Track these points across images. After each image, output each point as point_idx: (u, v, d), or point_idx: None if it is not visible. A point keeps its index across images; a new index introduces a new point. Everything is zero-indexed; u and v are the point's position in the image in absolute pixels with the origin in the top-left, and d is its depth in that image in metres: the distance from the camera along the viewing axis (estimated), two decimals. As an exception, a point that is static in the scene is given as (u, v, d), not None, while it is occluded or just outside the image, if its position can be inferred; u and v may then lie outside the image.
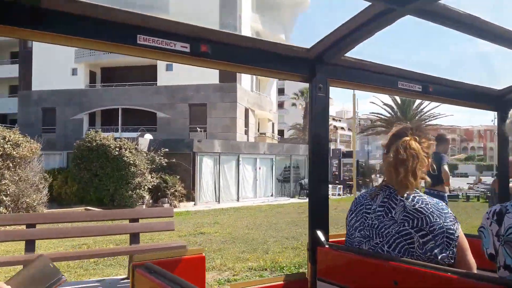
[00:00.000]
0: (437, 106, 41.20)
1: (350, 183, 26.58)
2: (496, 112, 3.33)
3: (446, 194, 6.34)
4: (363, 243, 1.88)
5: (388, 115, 42.35)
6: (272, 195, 22.03)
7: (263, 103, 31.99)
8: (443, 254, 1.69)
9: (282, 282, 2.27)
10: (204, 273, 2.36)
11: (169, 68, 27.18)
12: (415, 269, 1.65)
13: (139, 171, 15.90)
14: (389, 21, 1.98)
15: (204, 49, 1.95)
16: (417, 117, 40.81)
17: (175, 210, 9.28)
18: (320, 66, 2.35)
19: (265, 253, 7.40)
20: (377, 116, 45.60)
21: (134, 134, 22.09)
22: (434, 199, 1.80)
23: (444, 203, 1.79)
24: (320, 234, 2.26)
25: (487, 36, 2.23)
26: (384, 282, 1.78)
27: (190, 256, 2.31)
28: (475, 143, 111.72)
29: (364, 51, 2.38)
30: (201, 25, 1.89)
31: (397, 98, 41.55)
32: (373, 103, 53.15)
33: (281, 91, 61.29)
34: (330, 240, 2.29)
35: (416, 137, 1.84)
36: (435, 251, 1.69)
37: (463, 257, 1.74)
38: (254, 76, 28.57)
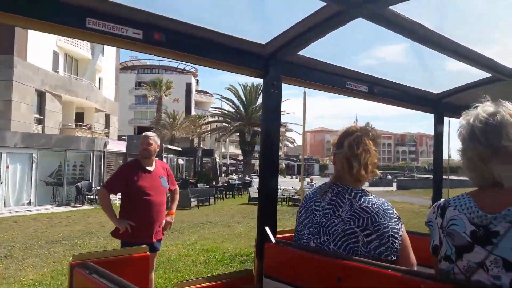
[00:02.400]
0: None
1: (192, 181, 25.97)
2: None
3: None
4: (311, 240, 1.90)
5: (232, 110, 43.26)
6: (30, 203, 16.61)
7: (76, 88, 26.15)
8: (387, 253, 1.75)
9: (228, 280, 2.25)
10: (147, 272, 2.27)
11: None
12: (358, 266, 1.69)
13: None
14: (342, 22, 2.02)
15: (158, 37, 1.87)
16: (259, 113, 41.19)
17: None
18: (274, 63, 2.34)
19: None
20: (220, 111, 45.95)
21: None
22: (381, 199, 1.86)
23: (389, 204, 1.85)
24: (268, 230, 2.26)
25: (429, 43, 2.35)
26: (328, 278, 1.82)
27: (134, 255, 2.21)
28: (407, 147, 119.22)
29: (317, 50, 2.41)
30: (156, 12, 1.81)
31: (241, 95, 42.74)
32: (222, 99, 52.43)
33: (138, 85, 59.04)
34: (278, 236, 2.30)
35: (367, 134, 1.91)
36: (379, 249, 1.75)
37: (405, 255, 1.81)
38: (61, 54, 25.05)
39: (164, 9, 1.85)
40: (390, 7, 1.96)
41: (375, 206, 1.79)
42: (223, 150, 59.27)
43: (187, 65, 64.63)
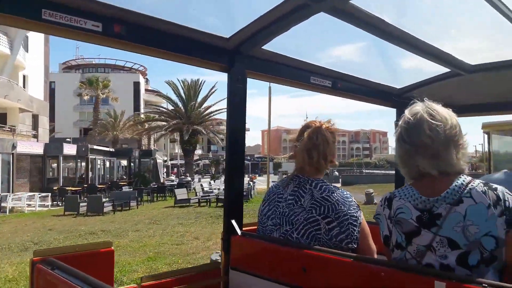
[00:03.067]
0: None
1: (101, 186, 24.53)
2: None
3: None
4: (274, 231, 1.95)
5: (171, 107, 42.49)
6: None
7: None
8: (347, 240, 1.82)
9: (194, 273, 2.25)
10: (112, 267, 2.25)
11: None
12: (321, 256, 1.74)
13: None
14: (304, 16, 2.04)
15: (118, 30, 1.84)
16: (199, 110, 40.87)
17: None
18: (239, 57, 2.34)
19: None
20: (158, 109, 44.87)
21: None
22: (340, 188, 1.93)
23: (349, 193, 1.93)
24: (234, 223, 2.28)
25: (391, 38, 2.41)
26: (294, 269, 1.85)
27: (97, 250, 2.18)
28: (361, 144, 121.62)
29: (281, 45, 2.43)
30: (116, 4, 1.78)
31: (182, 92, 41.72)
32: (158, 95, 50.60)
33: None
34: (244, 229, 2.32)
35: (326, 126, 1.97)
36: (340, 237, 1.81)
37: (365, 242, 1.88)
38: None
39: (125, 1, 1.82)
40: (352, 2, 2.00)
41: (335, 194, 1.86)
42: (176, 150, 58.00)
43: (135, 64, 61.80)
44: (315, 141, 1.91)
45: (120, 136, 46.61)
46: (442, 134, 1.49)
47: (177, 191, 20.72)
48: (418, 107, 1.57)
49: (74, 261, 1.94)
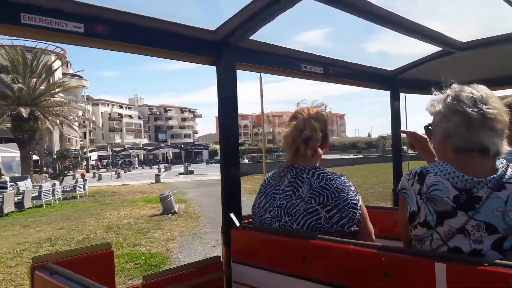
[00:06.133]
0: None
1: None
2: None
3: None
4: (273, 223, 1.94)
5: None
6: None
7: None
8: (349, 224, 1.82)
9: (196, 268, 2.25)
10: (113, 269, 2.25)
11: None
12: (321, 244, 1.74)
13: None
14: (290, 4, 2.00)
15: (100, 30, 1.81)
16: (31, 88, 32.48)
17: None
18: (227, 49, 2.31)
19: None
20: None
21: None
22: (337, 174, 1.92)
23: (346, 177, 1.92)
24: (233, 216, 2.28)
25: (381, 22, 2.38)
26: (294, 258, 1.86)
27: (96, 252, 2.17)
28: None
29: (269, 34, 2.40)
30: (96, 3, 1.74)
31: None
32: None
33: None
34: (243, 222, 2.32)
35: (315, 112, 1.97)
36: (342, 222, 1.81)
37: (364, 225, 1.89)
38: None
39: (105, 0, 1.79)
40: None
41: (333, 181, 1.86)
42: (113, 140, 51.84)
43: (50, 45, 50.96)
44: (303, 130, 1.90)
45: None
46: (505, 113, 1.46)
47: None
48: (480, 86, 1.52)
49: (74, 265, 1.93)
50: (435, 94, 1.61)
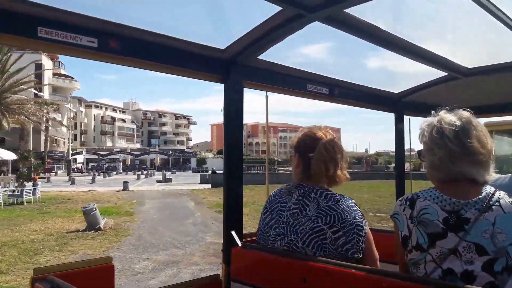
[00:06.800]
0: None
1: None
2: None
3: None
4: (278, 240, 1.93)
5: None
6: None
7: None
8: (353, 250, 1.80)
9: (195, 286, 2.24)
10: (113, 283, 2.23)
11: None
12: (322, 267, 1.73)
13: None
14: (299, 26, 2.05)
15: (113, 45, 1.84)
16: None
17: None
18: (235, 67, 2.35)
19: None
20: None
21: None
22: (345, 196, 1.92)
23: (353, 201, 1.92)
24: (234, 234, 2.27)
25: (386, 45, 2.42)
26: (294, 280, 1.84)
27: (97, 266, 2.17)
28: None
29: (276, 54, 2.43)
30: (111, 19, 1.78)
31: None
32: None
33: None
34: (244, 240, 2.31)
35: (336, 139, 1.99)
36: (346, 246, 1.79)
37: (369, 252, 1.87)
38: None
39: (120, 16, 1.82)
40: (346, 10, 2.01)
41: (341, 203, 1.85)
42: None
43: None
44: (332, 154, 1.92)
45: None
46: (489, 143, 1.52)
47: None
48: (455, 113, 1.58)
49: (74, 278, 1.92)
50: (426, 119, 1.66)
